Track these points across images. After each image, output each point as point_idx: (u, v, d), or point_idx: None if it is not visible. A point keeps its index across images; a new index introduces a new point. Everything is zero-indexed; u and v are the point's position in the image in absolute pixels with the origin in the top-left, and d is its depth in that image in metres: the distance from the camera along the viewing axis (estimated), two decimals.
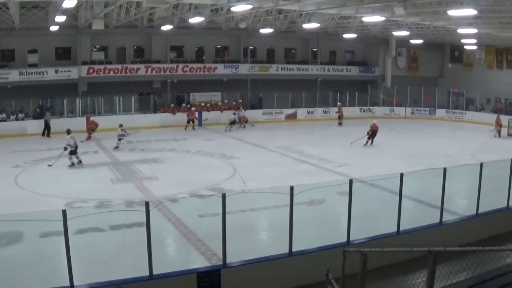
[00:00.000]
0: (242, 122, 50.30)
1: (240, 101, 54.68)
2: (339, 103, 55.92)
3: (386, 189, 20.73)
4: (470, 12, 30.27)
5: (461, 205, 24.41)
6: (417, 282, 12.34)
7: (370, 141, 41.99)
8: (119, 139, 39.69)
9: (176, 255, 19.36)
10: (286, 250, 16.10)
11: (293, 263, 16.07)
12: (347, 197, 16.98)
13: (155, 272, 14.09)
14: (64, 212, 12.99)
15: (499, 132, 49.01)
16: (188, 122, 48.98)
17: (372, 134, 42.08)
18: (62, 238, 13.12)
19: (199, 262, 17.03)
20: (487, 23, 40.10)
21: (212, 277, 14.85)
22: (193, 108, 50.68)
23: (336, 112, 55.36)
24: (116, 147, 39.09)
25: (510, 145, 43.48)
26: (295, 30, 53.98)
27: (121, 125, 40.43)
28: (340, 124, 53.94)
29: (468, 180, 23.63)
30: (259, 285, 15.50)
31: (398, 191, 18.26)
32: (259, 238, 21.04)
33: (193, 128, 48.89)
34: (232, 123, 48.10)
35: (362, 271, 11.05)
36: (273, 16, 45.12)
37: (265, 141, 42.84)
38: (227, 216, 14.93)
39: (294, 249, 16.09)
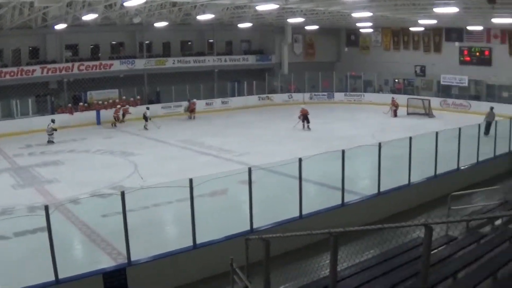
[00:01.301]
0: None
1: (138, 97, 54.30)
2: (194, 100, 54.82)
3: (288, 175, 20.80)
4: None
5: (364, 185, 24.99)
6: (321, 265, 12.52)
7: (306, 125, 43.55)
8: (49, 134, 40.37)
9: (82, 257, 19.06)
10: (191, 243, 16.08)
11: (198, 256, 16.12)
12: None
13: (60, 276, 13.86)
14: None
15: (395, 112, 50.47)
16: (147, 120, 47.89)
17: (304, 117, 43.51)
18: None
19: (105, 263, 16.82)
20: (382, 6, 40.77)
21: (118, 277, 14.73)
22: (118, 106, 50.00)
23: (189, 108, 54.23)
24: (49, 141, 40.20)
25: (408, 124, 44.70)
26: (190, 22, 53.57)
27: (53, 121, 41.19)
28: (191, 118, 53.12)
29: (369, 160, 24.01)
30: (166, 280, 15.46)
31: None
32: (164, 233, 20.97)
33: (115, 125, 48.39)
34: (146, 119, 47.35)
35: (265, 257, 11.09)
36: (167, 9, 44.82)
37: (165, 135, 42.74)
38: (131, 214, 14.86)
39: (198, 241, 16.10)
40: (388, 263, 13.07)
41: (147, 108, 48.67)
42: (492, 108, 40.84)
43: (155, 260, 15.58)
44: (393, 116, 50.65)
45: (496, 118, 36.80)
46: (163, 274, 15.46)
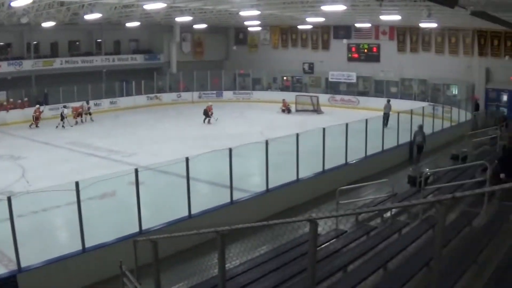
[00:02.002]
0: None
1: (26, 99, 53.11)
2: (71, 105, 52.27)
3: (178, 174, 20.87)
4: None
5: (254, 182, 25.28)
6: (211, 264, 12.60)
7: (207, 120, 45.85)
8: None
9: None
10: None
11: (88, 259, 16.05)
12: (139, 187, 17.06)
13: None
14: None
15: (288, 109, 51.48)
16: (63, 118, 47.17)
17: (205, 112, 46.09)
18: None
19: None
20: (270, 4, 41.32)
21: (9, 284, 14.52)
22: (37, 106, 48.81)
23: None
24: None
25: (297, 121, 45.60)
26: (78, 22, 52.75)
27: None
28: (84, 121, 50.97)
29: (259, 157, 24.18)
30: (58, 285, 15.32)
31: (190, 175, 18.58)
32: (54, 237, 20.64)
33: (37, 126, 47.15)
34: (62, 117, 46.58)
35: (154, 258, 11.14)
36: (55, 8, 44.06)
37: (53, 137, 41.74)
38: (20, 219, 14.66)
39: (89, 245, 15.97)
40: (279, 259, 13.31)
41: (64, 107, 48.18)
42: (388, 101, 43.21)
43: (45, 265, 15.40)
44: (286, 112, 51.91)
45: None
46: (54, 279, 15.32)
